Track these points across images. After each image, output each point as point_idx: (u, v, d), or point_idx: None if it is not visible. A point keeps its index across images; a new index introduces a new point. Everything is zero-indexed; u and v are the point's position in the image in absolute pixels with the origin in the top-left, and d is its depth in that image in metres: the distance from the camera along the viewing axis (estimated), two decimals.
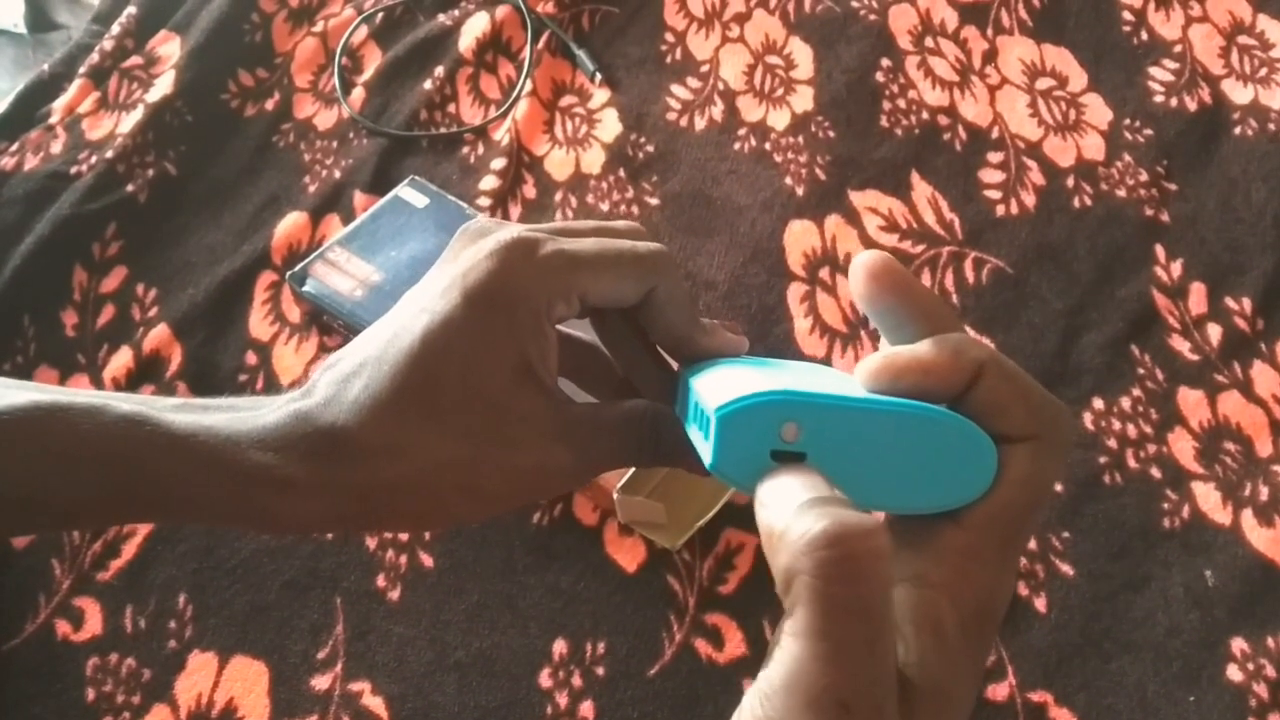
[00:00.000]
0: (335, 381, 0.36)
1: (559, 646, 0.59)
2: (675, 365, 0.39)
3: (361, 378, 0.35)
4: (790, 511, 0.25)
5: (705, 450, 0.29)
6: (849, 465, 0.27)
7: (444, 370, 0.34)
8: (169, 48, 0.86)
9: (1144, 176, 0.80)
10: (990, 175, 0.80)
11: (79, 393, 0.35)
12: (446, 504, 0.36)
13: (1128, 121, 0.84)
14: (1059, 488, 0.65)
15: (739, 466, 0.27)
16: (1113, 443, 0.67)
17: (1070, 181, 0.80)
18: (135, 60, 0.85)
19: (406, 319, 0.36)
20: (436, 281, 0.36)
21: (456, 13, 0.89)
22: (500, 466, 0.35)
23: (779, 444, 0.27)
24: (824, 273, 0.74)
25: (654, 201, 0.78)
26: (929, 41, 0.88)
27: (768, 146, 0.81)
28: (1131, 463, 0.66)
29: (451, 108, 0.84)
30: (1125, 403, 0.69)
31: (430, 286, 0.36)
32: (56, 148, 0.79)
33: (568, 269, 0.36)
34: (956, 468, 0.28)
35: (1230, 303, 0.74)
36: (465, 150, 0.82)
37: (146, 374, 0.69)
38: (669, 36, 0.89)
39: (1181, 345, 0.72)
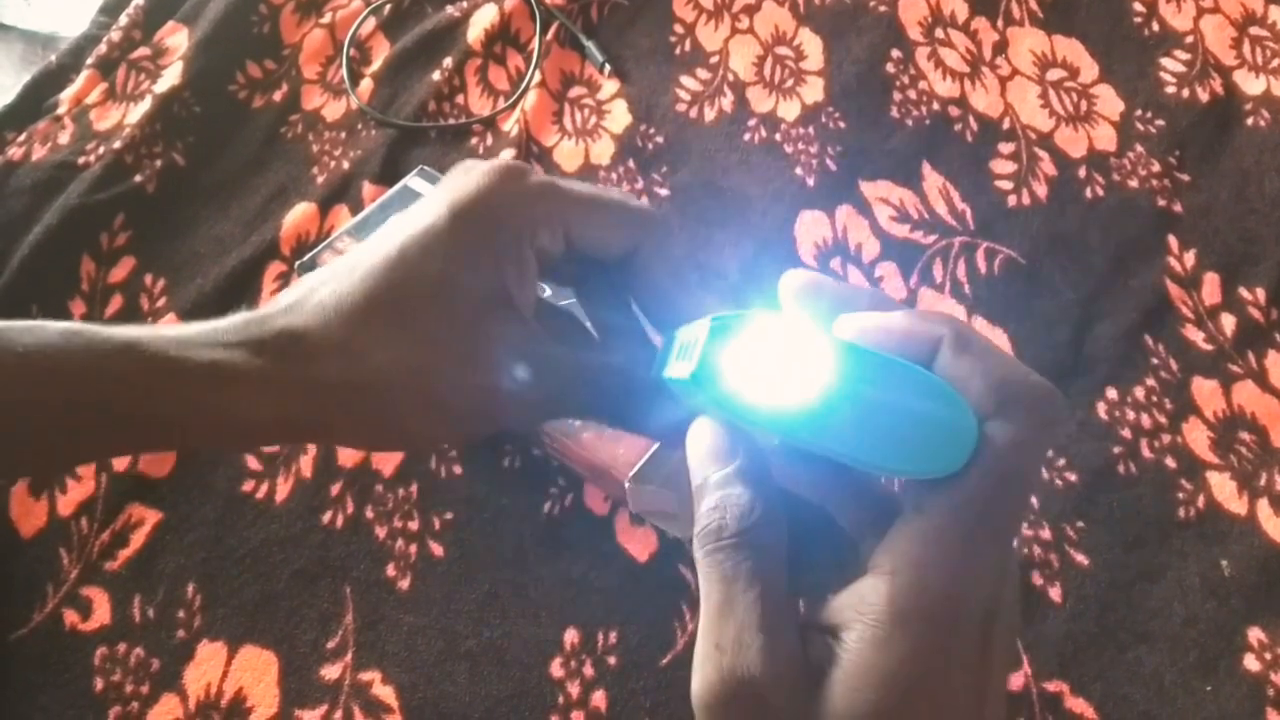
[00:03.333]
0: (299, 291, 0.35)
1: (570, 636, 0.59)
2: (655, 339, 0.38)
3: (329, 285, 0.34)
4: (697, 478, 0.30)
5: (687, 367, 0.28)
6: (829, 401, 0.27)
7: (418, 277, 0.34)
8: (177, 39, 0.85)
9: (1156, 167, 0.80)
10: (1002, 166, 0.80)
11: (17, 321, 0.34)
12: (401, 413, 0.34)
13: (1139, 112, 0.83)
14: (1072, 477, 0.64)
15: (718, 386, 0.27)
16: (1127, 433, 0.66)
17: (1082, 172, 0.79)
18: (143, 51, 0.85)
19: (385, 234, 0.35)
20: (424, 202, 0.36)
21: (465, 4, 0.89)
22: (461, 382, 0.34)
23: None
24: (835, 263, 0.74)
25: (664, 192, 0.78)
26: (939, 33, 0.88)
27: (778, 137, 0.81)
28: (1146, 453, 0.66)
29: (460, 99, 0.84)
30: (1139, 393, 0.68)
31: (417, 206, 0.36)
32: (64, 138, 0.79)
33: (557, 199, 0.36)
34: (935, 433, 0.27)
35: (1244, 293, 0.73)
36: (474, 141, 0.81)
37: None
38: (678, 28, 0.88)
39: (1195, 335, 0.71)
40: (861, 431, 0.27)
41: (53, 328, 0.33)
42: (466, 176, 0.35)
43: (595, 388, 0.37)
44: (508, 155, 0.78)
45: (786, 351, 0.27)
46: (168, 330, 0.34)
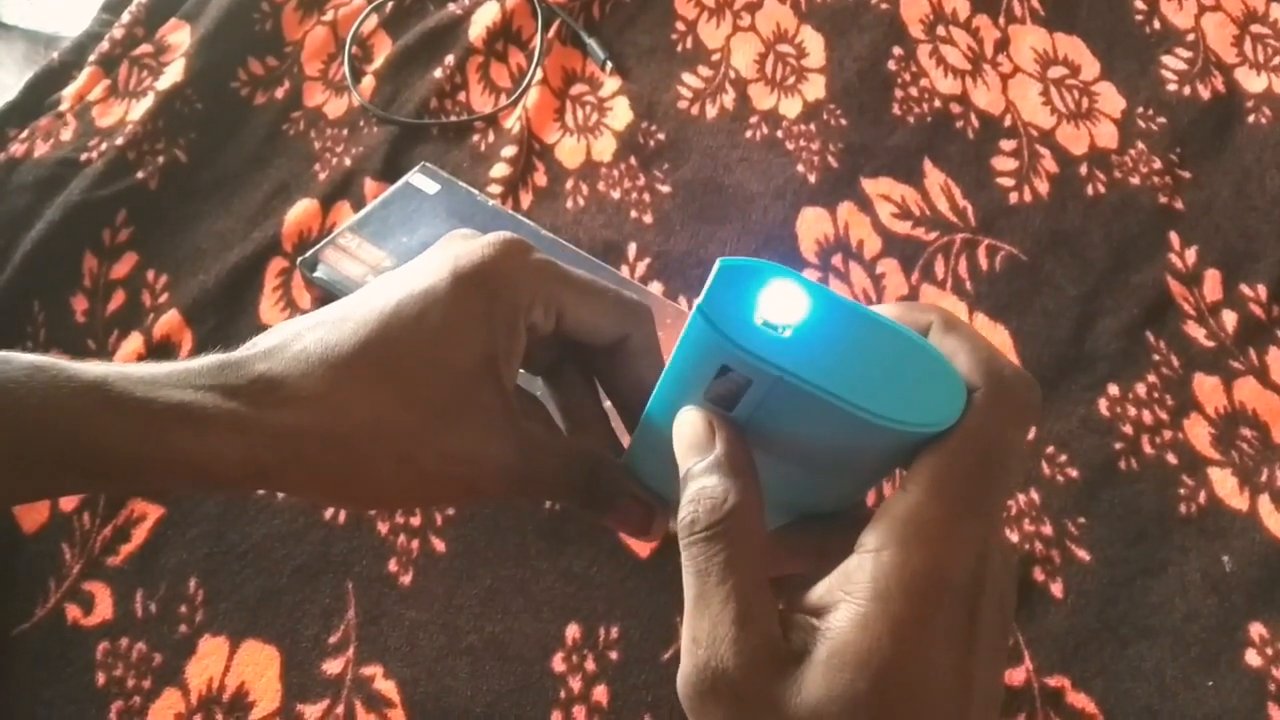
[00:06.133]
0: (279, 336, 0.35)
1: (572, 631, 0.59)
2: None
3: (315, 333, 0.34)
4: (682, 467, 0.30)
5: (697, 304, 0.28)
6: (829, 351, 0.27)
7: (412, 335, 0.34)
8: (179, 36, 0.86)
9: (1158, 164, 0.80)
10: (1003, 163, 0.80)
11: None
12: (377, 471, 0.34)
13: (1141, 110, 0.83)
14: (1074, 473, 0.64)
15: (726, 319, 0.27)
16: (1128, 429, 0.66)
17: (1084, 169, 0.79)
18: (145, 48, 0.85)
19: (380, 288, 0.35)
20: (422, 263, 0.36)
21: (466, 1, 0.89)
22: (442, 446, 0.34)
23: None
24: (837, 259, 0.74)
25: (665, 189, 0.78)
26: (941, 30, 0.88)
27: (779, 134, 0.81)
28: (1147, 449, 0.66)
29: (462, 96, 0.84)
30: (1141, 389, 0.68)
31: (414, 266, 0.36)
32: (67, 135, 0.79)
33: (556, 280, 0.37)
34: (926, 391, 0.28)
35: (1245, 289, 0.73)
36: (476, 138, 0.81)
37: (157, 359, 0.68)
38: (679, 25, 0.89)
39: (1197, 332, 0.71)
40: (857, 374, 0.27)
41: (19, 362, 0.32)
42: (471, 244, 0.36)
43: (570, 470, 0.37)
44: (509, 152, 0.79)
45: (789, 292, 0.27)
46: (137, 369, 0.33)
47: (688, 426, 0.30)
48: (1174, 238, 0.76)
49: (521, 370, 0.39)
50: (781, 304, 0.27)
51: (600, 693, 0.57)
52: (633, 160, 0.79)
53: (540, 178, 0.79)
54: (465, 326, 0.34)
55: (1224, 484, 0.65)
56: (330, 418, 0.33)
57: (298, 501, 0.63)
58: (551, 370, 0.41)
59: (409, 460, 0.34)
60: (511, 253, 0.36)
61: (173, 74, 0.82)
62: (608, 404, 0.42)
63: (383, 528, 0.62)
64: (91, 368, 0.33)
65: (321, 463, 0.34)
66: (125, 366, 0.33)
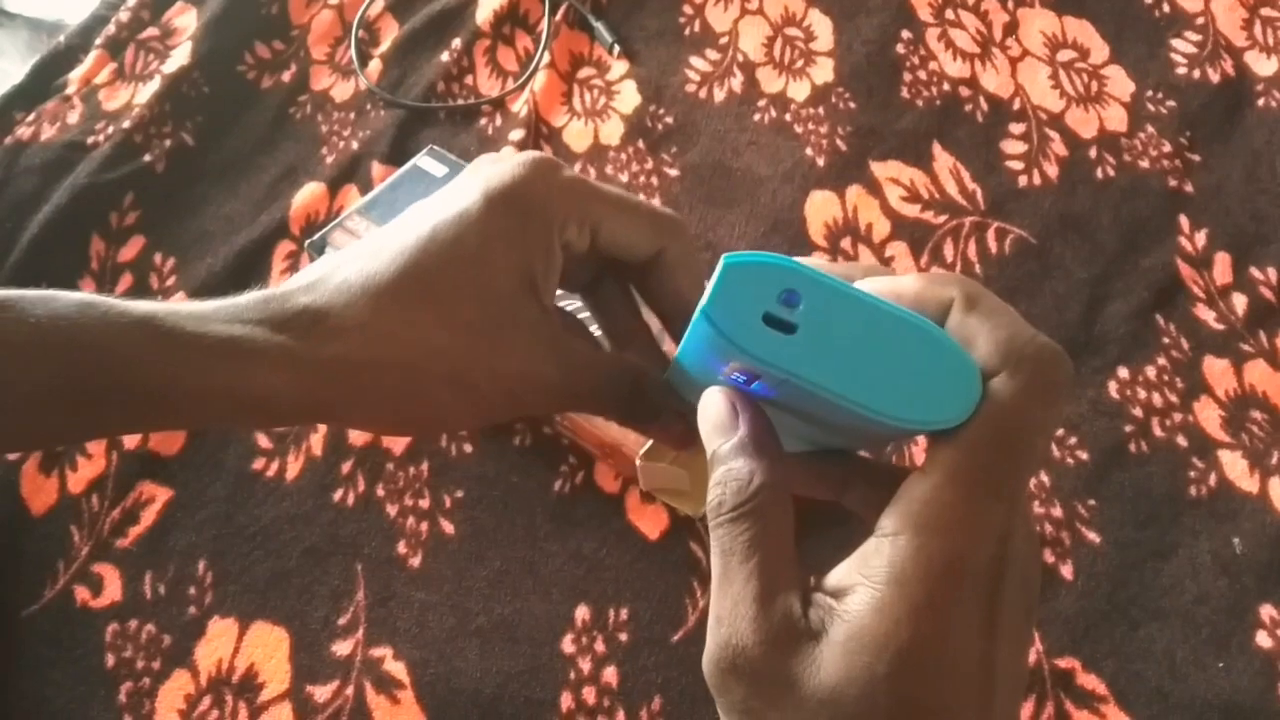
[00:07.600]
0: (319, 270, 0.35)
1: (581, 613, 0.59)
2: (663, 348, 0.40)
3: (356, 263, 0.34)
4: (708, 448, 0.30)
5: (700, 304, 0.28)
6: (837, 350, 0.27)
7: (450, 259, 0.34)
8: (185, 19, 0.85)
9: (1167, 147, 0.79)
10: (1012, 146, 0.79)
11: (30, 290, 0.33)
12: (431, 395, 0.34)
13: (1150, 93, 0.83)
14: (1084, 455, 0.64)
15: (730, 321, 0.27)
16: (1138, 411, 0.66)
17: (1093, 152, 0.79)
18: (151, 32, 0.85)
19: (412, 216, 0.35)
20: (453, 188, 0.36)
21: None
22: (491, 365, 0.34)
23: (775, 308, 0.27)
24: (845, 243, 0.74)
25: (673, 173, 0.78)
26: (949, 14, 0.88)
27: (788, 118, 0.81)
28: (1157, 431, 0.66)
29: (469, 80, 0.84)
30: (1151, 371, 0.68)
31: (446, 192, 0.36)
32: (73, 118, 0.79)
33: (589, 196, 0.36)
34: (939, 385, 0.27)
35: (1255, 272, 0.73)
36: (483, 122, 0.81)
37: None
38: (687, 9, 0.88)
39: (1207, 315, 0.71)
40: (867, 370, 0.27)
41: (67, 298, 0.32)
42: (501, 165, 0.36)
43: (614, 384, 0.37)
44: (517, 136, 0.78)
45: (796, 288, 0.27)
46: (185, 306, 0.33)
47: (711, 408, 0.30)
48: (1184, 221, 0.75)
49: (561, 290, 0.39)
50: (787, 301, 0.27)
51: (610, 674, 0.57)
52: (641, 144, 0.79)
53: None
54: (500, 247, 0.34)
55: (1234, 466, 0.64)
56: (378, 346, 0.33)
57: (308, 485, 0.63)
58: (590, 287, 0.41)
59: (459, 380, 0.34)
60: (542, 171, 0.35)
61: (179, 57, 0.82)
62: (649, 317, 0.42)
63: (391, 510, 0.62)
64: (140, 305, 0.33)
65: (375, 391, 0.34)
66: (171, 304, 0.33)
